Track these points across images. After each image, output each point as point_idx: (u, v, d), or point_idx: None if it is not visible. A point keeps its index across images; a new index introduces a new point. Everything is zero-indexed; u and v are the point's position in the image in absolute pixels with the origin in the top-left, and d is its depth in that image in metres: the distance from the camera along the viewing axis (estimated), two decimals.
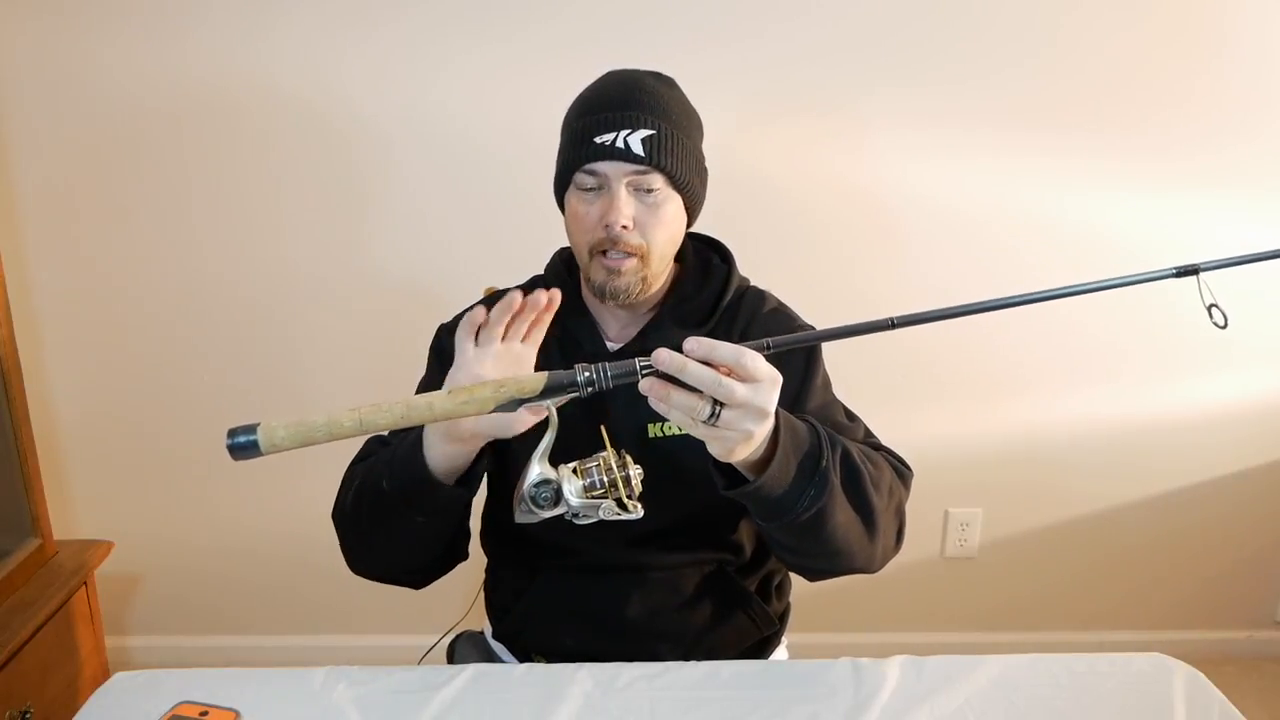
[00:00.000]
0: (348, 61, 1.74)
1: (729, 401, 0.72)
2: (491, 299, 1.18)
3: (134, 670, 0.99)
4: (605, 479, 0.80)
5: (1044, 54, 1.75)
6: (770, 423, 0.77)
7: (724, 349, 0.71)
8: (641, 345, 1.06)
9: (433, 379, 1.10)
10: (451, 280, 1.82)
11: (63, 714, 1.45)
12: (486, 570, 1.22)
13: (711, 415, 0.73)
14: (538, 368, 1.07)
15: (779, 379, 0.75)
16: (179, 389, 1.92)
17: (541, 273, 1.16)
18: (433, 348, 1.13)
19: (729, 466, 0.82)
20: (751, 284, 1.13)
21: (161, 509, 2.00)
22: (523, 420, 0.84)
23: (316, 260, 1.85)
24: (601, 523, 0.82)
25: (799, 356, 1.06)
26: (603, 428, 0.86)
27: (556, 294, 0.90)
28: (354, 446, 0.99)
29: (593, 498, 0.80)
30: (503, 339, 0.89)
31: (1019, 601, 2.12)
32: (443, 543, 1.01)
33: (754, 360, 0.72)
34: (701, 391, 0.72)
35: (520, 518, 0.82)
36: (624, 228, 0.96)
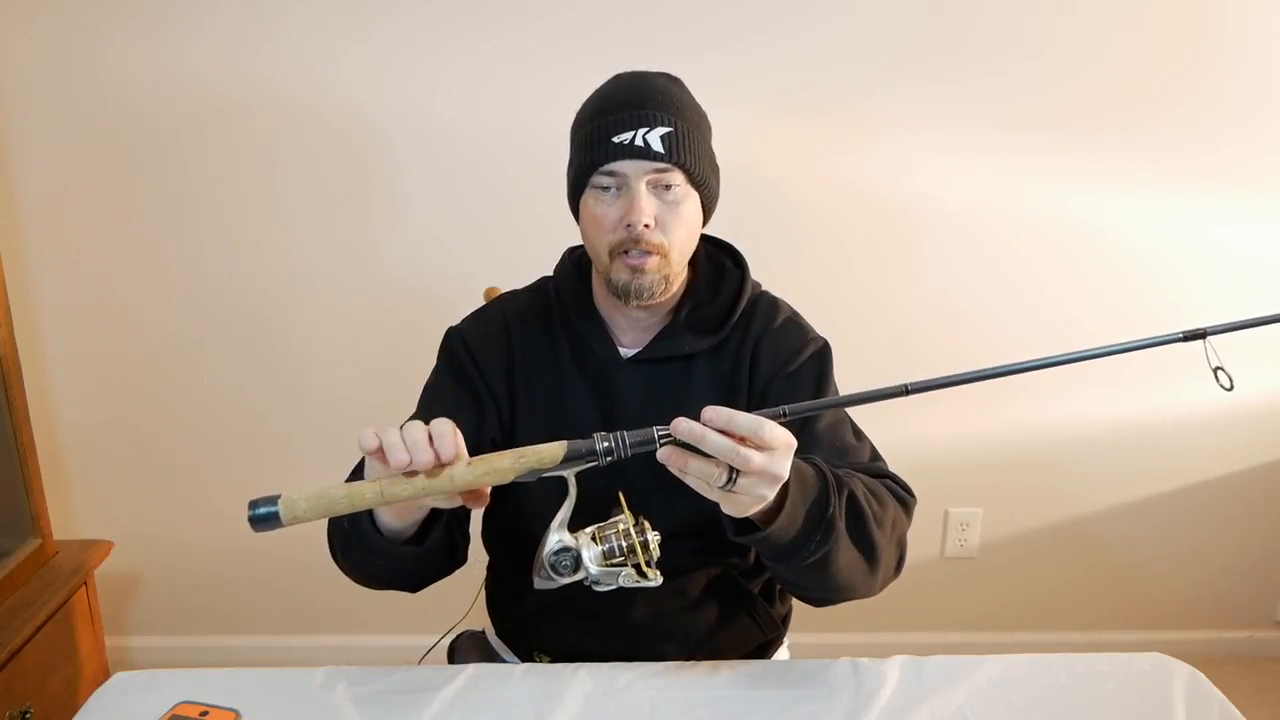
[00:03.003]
0: (348, 62, 1.74)
1: (745, 469, 0.73)
2: (494, 300, 1.18)
3: (134, 670, 0.99)
4: (624, 544, 0.81)
5: (1046, 54, 1.75)
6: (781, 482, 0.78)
7: (742, 419, 0.72)
8: (655, 352, 1.05)
9: (441, 379, 1.10)
10: (453, 281, 1.82)
11: (63, 714, 1.45)
12: (487, 569, 1.22)
13: (728, 482, 0.74)
14: (547, 374, 1.07)
15: (794, 444, 0.76)
16: (179, 389, 1.92)
17: (550, 274, 1.15)
18: (442, 349, 1.12)
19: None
20: (764, 290, 1.13)
21: (161, 509, 2.00)
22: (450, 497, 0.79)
23: (316, 260, 1.85)
24: None
25: (810, 374, 1.06)
26: (621, 495, 0.87)
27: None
28: (351, 442, 0.98)
29: (611, 565, 0.81)
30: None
31: (1019, 601, 2.12)
32: (421, 573, 1.00)
33: (771, 430, 0.73)
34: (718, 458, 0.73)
35: (540, 584, 0.83)
36: (646, 226, 0.95)
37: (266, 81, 1.74)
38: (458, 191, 1.82)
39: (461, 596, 1.29)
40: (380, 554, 0.91)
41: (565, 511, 0.81)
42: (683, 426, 0.72)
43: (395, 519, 0.88)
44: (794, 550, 0.85)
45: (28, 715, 1.37)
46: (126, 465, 1.97)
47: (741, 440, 0.72)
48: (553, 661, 1.08)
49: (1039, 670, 0.98)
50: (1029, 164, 1.81)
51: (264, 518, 0.73)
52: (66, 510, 1.95)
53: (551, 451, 0.75)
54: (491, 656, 1.20)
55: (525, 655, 1.17)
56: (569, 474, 0.77)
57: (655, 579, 0.82)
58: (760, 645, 1.16)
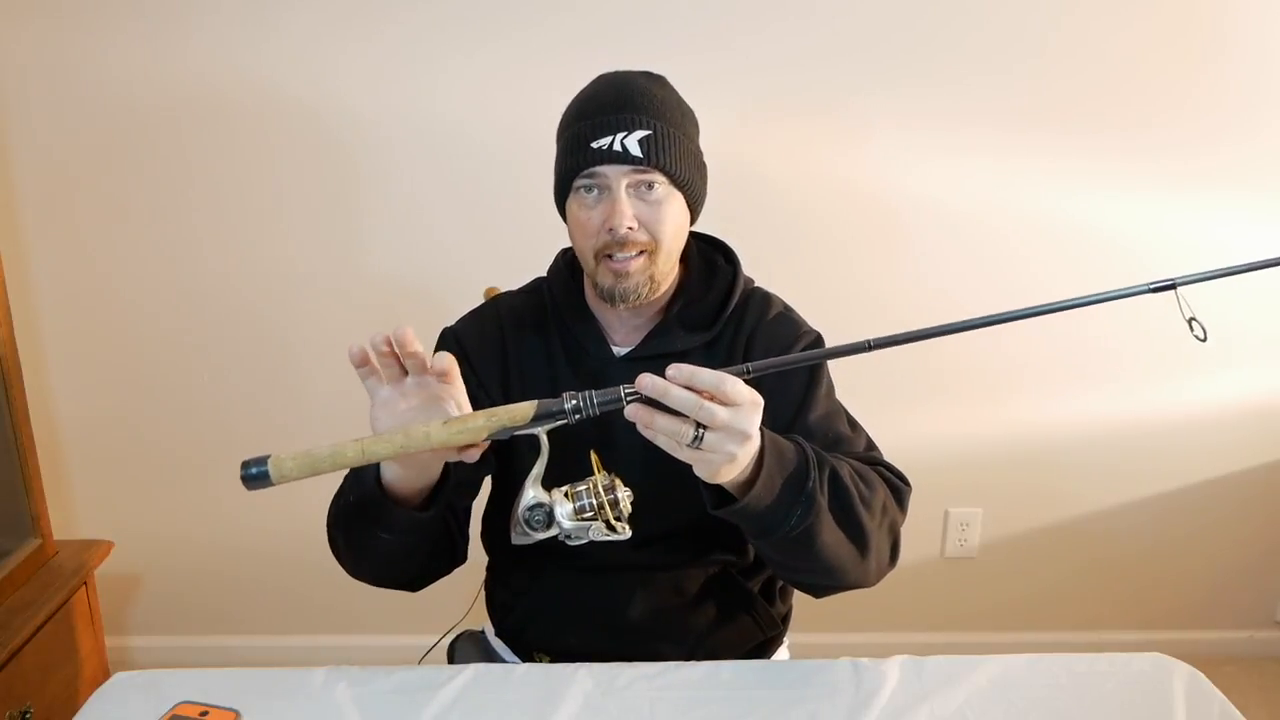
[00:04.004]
0: (347, 62, 1.74)
1: (711, 424, 0.74)
2: (489, 300, 1.18)
3: (134, 670, 0.99)
4: (594, 502, 0.83)
5: (1045, 54, 1.75)
6: (754, 445, 0.79)
7: (704, 375, 0.73)
8: (648, 349, 1.05)
9: None
10: (451, 281, 1.82)
11: (63, 714, 1.45)
12: (487, 569, 1.22)
13: (695, 438, 0.75)
14: (542, 374, 1.08)
15: (760, 402, 0.77)
16: (179, 389, 1.92)
17: (544, 275, 1.16)
18: (437, 349, 1.12)
19: (719, 486, 0.83)
20: (756, 285, 1.13)
21: (161, 509, 2.00)
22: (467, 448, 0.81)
23: (317, 260, 1.85)
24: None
25: (803, 367, 1.06)
26: (592, 452, 0.87)
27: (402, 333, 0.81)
28: None
29: (583, 520, 0.83)
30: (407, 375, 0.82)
31: (1019, 601, 2.12)
32: (421, 557, 1.00)
33: (734, 385, 0.74)
34: (686, 416, 0.74)
35: (516, 539, 0.84)
36: (629, 229, 0.96)
37: (266, 81, 1.74)
38: (457, 191, 1.82)
39: (461, 596, 1.29)
40: (385, 523, 0.91)
41: (539, 467, 0.82)
42: (646, 382, 0.73)
43: (403, 483, 0.88)
44: (774, 523, 0.85)
45: (28, 715, 1.37)
46: (126, 465, 1.97)
47: (709, 398, 0.73)
48: (553, 661, 1.08)
49: (1039, 670, 0.98)
50: (1029, 164, 1.81)
51: (255, 477, 0.76)
52: (66, 510, 1.95)
53: (522, 410, 0.77)
54: (491, 656, 1.20)
55: (525, 655, 1.17)
56: (541, 431, 0.79)
57: (624, 533, 0.83)
58: (760, 644, 1.16)
